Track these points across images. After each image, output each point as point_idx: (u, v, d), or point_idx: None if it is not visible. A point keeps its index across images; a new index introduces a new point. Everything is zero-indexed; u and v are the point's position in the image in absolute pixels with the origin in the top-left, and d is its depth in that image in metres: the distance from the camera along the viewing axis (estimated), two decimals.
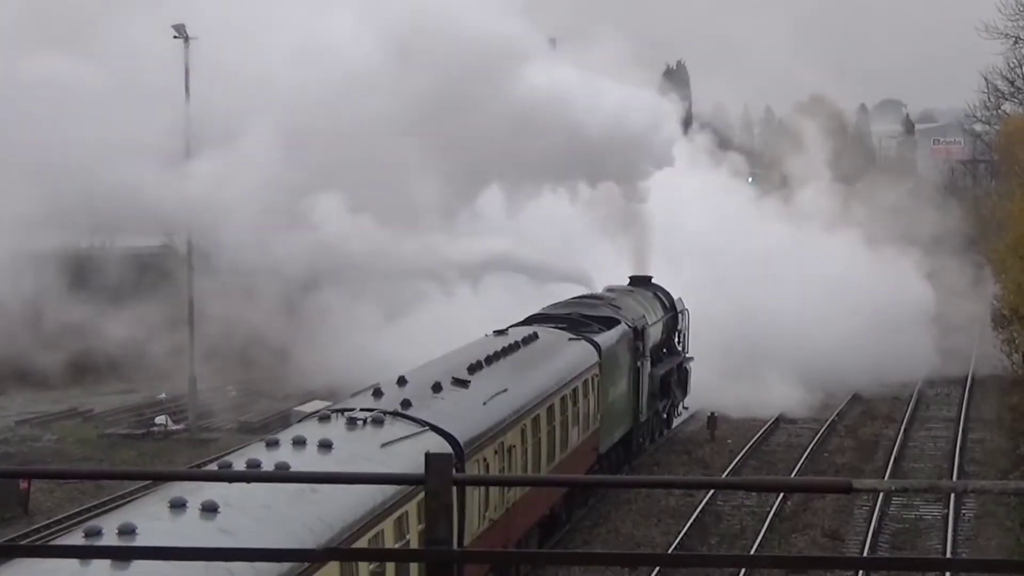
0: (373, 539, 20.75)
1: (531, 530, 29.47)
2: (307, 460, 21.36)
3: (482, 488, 25.07)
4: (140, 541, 16.77)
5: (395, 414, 24.04)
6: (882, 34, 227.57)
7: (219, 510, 18.34)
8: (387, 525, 21.15)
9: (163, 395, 50.41)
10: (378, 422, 23.54)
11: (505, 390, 27.63)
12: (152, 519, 17.96)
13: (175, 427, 46.50)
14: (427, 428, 24.10)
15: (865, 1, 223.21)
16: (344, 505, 20.19)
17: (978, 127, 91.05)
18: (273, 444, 21.94)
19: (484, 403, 26.46)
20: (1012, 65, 74.56)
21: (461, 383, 26.86)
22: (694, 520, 34.10)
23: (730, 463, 40.93)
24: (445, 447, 23.87)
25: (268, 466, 20.57)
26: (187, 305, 45.97)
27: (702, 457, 42.34)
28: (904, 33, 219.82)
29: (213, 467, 21.46)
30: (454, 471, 23.45)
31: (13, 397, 50.83)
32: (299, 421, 24.27)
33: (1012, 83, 75.07)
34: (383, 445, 22.73)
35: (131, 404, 50.25)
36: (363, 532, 20.43)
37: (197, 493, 18.62)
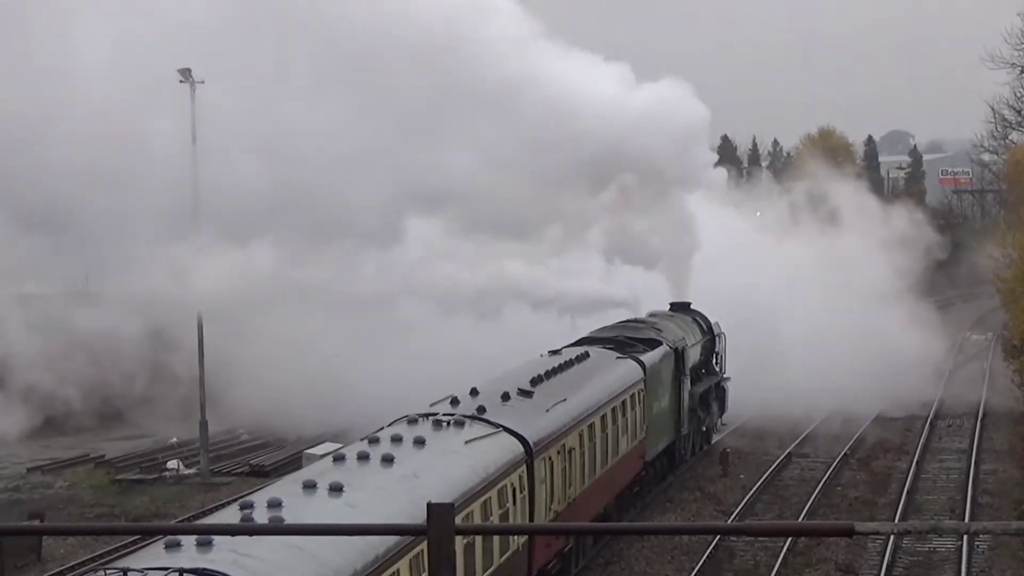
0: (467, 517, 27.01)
1: (595, 518, 35.87)
2: (406, 453, 27.38)
3: (548, 483, 31.56)
4: None
5: (473, 418, 30.24)
6: (889, 66, 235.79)
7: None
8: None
9: (174, 440, 55.10)
10: (459, 424, 29.72)
11: (564, 400, 34.07)
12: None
13: (187, 471, 50.66)
14: (501, 430, 30.20)
15: (871, 34, 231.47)
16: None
17: (986, 157, 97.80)
18: (375, 441, 28.12)
19: (547, 410, 32.82)
20: (1019, 95, 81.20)
21: (526, 393, 33.25)
22: (707, 557, 36.78)
23: (743, 499, 43.79)
24: (518, 446, 30.24)
25: (376, 458, 26.75)
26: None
27: (714, 493, 45.41)
28: (911, 64, 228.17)
29: (328, 459, 27.50)
30: (525, 466, 30.35)
31: (26, 444, 54.90)
32: (389, 425, 30.40)
33: (1019, 112, 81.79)
34: (467, 442, 29.05)
35: (142, 449, 54.61)
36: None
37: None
